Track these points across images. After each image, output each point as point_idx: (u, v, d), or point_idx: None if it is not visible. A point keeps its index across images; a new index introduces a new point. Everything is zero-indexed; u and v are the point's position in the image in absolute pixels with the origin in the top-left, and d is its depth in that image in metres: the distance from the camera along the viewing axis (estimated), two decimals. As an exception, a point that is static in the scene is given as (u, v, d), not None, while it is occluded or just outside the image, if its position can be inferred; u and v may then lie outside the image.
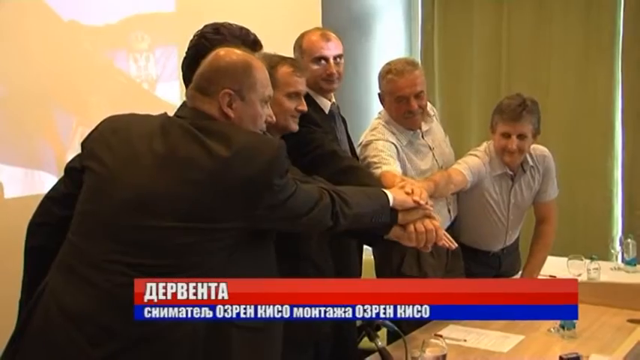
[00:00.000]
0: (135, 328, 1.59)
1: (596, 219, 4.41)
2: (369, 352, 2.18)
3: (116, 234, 1.64)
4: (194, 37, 2.08)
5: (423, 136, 2.81)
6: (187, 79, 1.98)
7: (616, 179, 4.47)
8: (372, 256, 2.95)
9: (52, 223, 1.85)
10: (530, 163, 2.96)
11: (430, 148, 2.82)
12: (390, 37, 4.83)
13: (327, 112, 2.64)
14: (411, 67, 2.68)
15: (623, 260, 3.36)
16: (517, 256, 3.14)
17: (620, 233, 4.22)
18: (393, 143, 2.65)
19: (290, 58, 2.34)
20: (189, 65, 2.00)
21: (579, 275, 2.98)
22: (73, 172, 1.84)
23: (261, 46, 2.10)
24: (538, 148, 3.00)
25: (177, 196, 1.63)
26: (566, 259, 3.07)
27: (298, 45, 2.71)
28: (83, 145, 1.83)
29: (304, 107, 2.26)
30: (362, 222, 1.93)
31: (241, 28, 2.07)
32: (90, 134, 1.83)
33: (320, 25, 3.73)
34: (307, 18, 3.72)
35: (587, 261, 3.04)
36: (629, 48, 4.34)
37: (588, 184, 4.43)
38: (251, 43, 2.04)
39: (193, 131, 1.67)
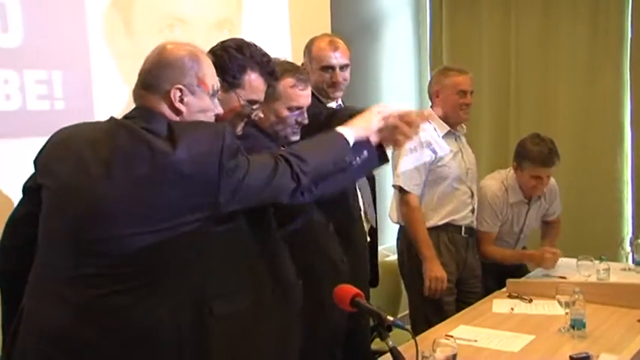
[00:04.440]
0: (115, 336, 1.59)
1: (606, 220, 4.41)
2: (381, 352, 2.21)
3: (80, 249, 1.61)
4: (217, 45, 2.07)
5: (456, 139, 3.28)
6: None
7: (626, 180, 4.46)
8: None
9: (19, 245, 1.82)
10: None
11: (460, 150, 3.29)
12: (399, 41, 4.85)
13: None
14: (467, 70, 3.30)
15: (633, 261, 3.35)
16: None
17: (630, 234, 4.22)
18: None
19: (295, 69, 2.33)
20: None
21: (589, 276, 3.00)
22: (30, 191, 1.81)
23: (277, 79, 2.12)
24: None
25: (132, 200, 1.59)
26: (575, 260, 3.10)
27: (308, 50, 2.79)
28: (35, 162, 1.80)
29: (305, 120, 2.28)
30: (326, 171, 1.82)
31: (263, 55, 2.07)
32: (40, 150, 1.79)
33: (329, 29, 3.77)
34: (316, 22, 3.74)
35: (597, 262, 3.05)
36: (637, 50, 4.33)
37: (598, 186, 4.43)
38: (267, 73, 2.06)
39: (138, 131, 1.64)
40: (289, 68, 2.30)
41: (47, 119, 1.73)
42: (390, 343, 1.67)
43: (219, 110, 1.82)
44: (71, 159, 1.68)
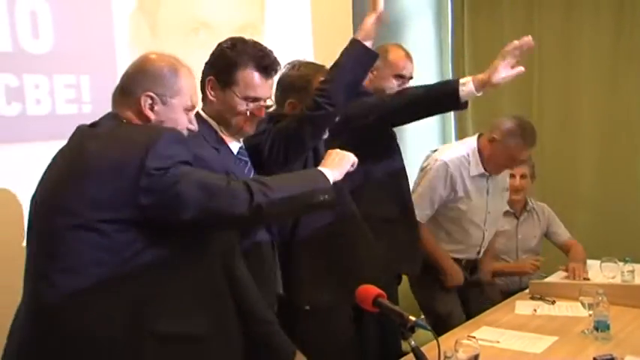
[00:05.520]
0: (54, 338, 1.60)
1: (631, 221, 4.36)
2: (404, 353, 2.23)
3: (40, 246, 1.66)
4: (216, 47, 2.12)
5: (487, 180, 3.21)
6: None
7: (650, 181, 4.42)
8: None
9: None
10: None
11: (488, 191, 3.21)
12: (421, 42, 4.84)
13: None
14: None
15: (659, 263, 3.32)
16: None
17: (655, 235, 4.18)
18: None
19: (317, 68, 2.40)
20: (204, 72, 2.10)
21: (613, 278, 2.98)
22: None
23: (275, 72, 2.11)
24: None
25: (60, 193, 1.63)
26: (599, 261, 3.08)
27: (384, 55, 2.85)
28: None
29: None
30: (296, 204, 1.78)
31: (259, 50, 2.06)
32: None
33: (351, 31, 3.78)
34: (339, 24, 3.77)
35: (621, 264, 3.02)
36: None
37: (622, 187, 4.38)
38: (262, 67, 2.05)
39: (86, 130, 1.71)
40: (318, 69, 2.36)
41: (75, 122, 1.79)
42: (413, 343, 1.69)
43: (193, 127, 1.82)
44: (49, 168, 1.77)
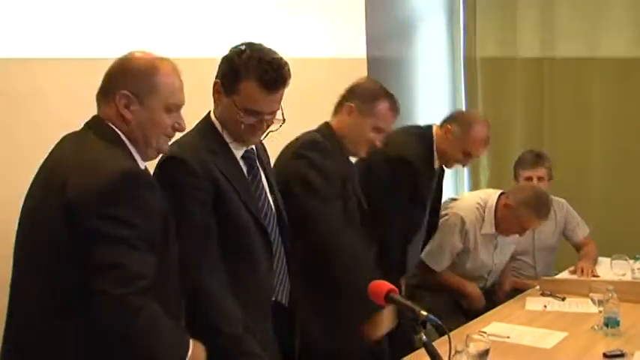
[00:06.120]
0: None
1: (641, 219, 4.38)
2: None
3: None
4: (230, 50, 2.00)
5: (494, 238, 3.29)
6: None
7: (662, 178, 4.42)
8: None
9: None
10: None
11: (495, 249, 3.31)
12: (433, 42, 4.87)
13: None
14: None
15: (669, 260, 3.34)
16: None
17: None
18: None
19: (391, 97, 2.50)
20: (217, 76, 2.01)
21: (623, 275, 3.00)
22: None
23: (282, 86, 1.94)
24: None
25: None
26: (609, 259, 3.10)
27: (465, 130, 2.89)
28: None
29: (379, 143, 2.46)
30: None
31: (267, 62, 1.91)
32: None
33: (364, 30, 3.84)
34: (351, 24, 3.79)
35: (632, 261, 3.04)
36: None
37: (633, 185, 4.38)
38: (265, 82, 1.90)
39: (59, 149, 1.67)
40: (386, 94, 2.49)
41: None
42: (424, 337, 1.72)
43: (179, 127, 1.73)
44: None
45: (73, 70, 2.38)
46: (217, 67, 2.01)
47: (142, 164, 1.72)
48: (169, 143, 1.79)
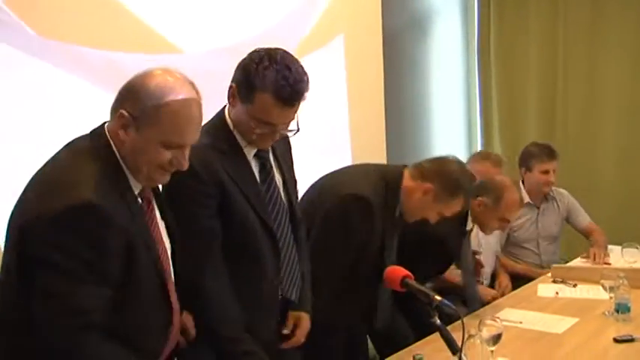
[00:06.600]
0: None
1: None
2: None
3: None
4: (249, 54, 1.88)
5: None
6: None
7: (672, 166, 4.44)
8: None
9: None
10: None
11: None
12: (448, 38, 4.92)
13: None
14: None
15: (679, 248, 3.37)
16: None
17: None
18: None
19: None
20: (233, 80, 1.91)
21: (634, 262, 3.04)
22: None
23: (298, 101, 1.84)
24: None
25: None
26: (620, 246, 3.14)
27: (497, 199, 2.83)
28: None
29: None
30: None
31: (284, 77, 1.80)
32: None
33: (380, 27, 3.90)
34: (367, 19, 3.85)
35: (643, 249, 3.09)
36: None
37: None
38: (282, 98, 1.80)
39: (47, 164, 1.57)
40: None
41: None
42: (438, 321, 1.79)
43: (181, 166, 1.57)
44: None
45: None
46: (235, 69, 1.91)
47: (136, 188, 1.59)
48: None
